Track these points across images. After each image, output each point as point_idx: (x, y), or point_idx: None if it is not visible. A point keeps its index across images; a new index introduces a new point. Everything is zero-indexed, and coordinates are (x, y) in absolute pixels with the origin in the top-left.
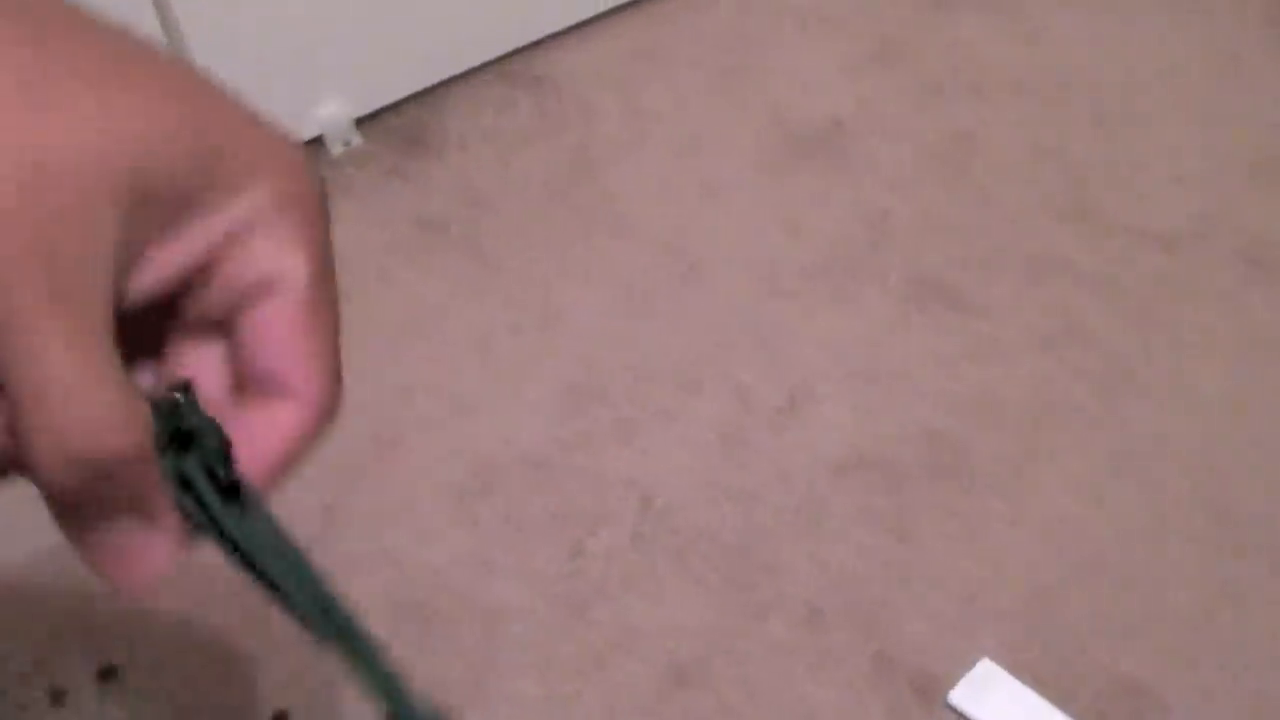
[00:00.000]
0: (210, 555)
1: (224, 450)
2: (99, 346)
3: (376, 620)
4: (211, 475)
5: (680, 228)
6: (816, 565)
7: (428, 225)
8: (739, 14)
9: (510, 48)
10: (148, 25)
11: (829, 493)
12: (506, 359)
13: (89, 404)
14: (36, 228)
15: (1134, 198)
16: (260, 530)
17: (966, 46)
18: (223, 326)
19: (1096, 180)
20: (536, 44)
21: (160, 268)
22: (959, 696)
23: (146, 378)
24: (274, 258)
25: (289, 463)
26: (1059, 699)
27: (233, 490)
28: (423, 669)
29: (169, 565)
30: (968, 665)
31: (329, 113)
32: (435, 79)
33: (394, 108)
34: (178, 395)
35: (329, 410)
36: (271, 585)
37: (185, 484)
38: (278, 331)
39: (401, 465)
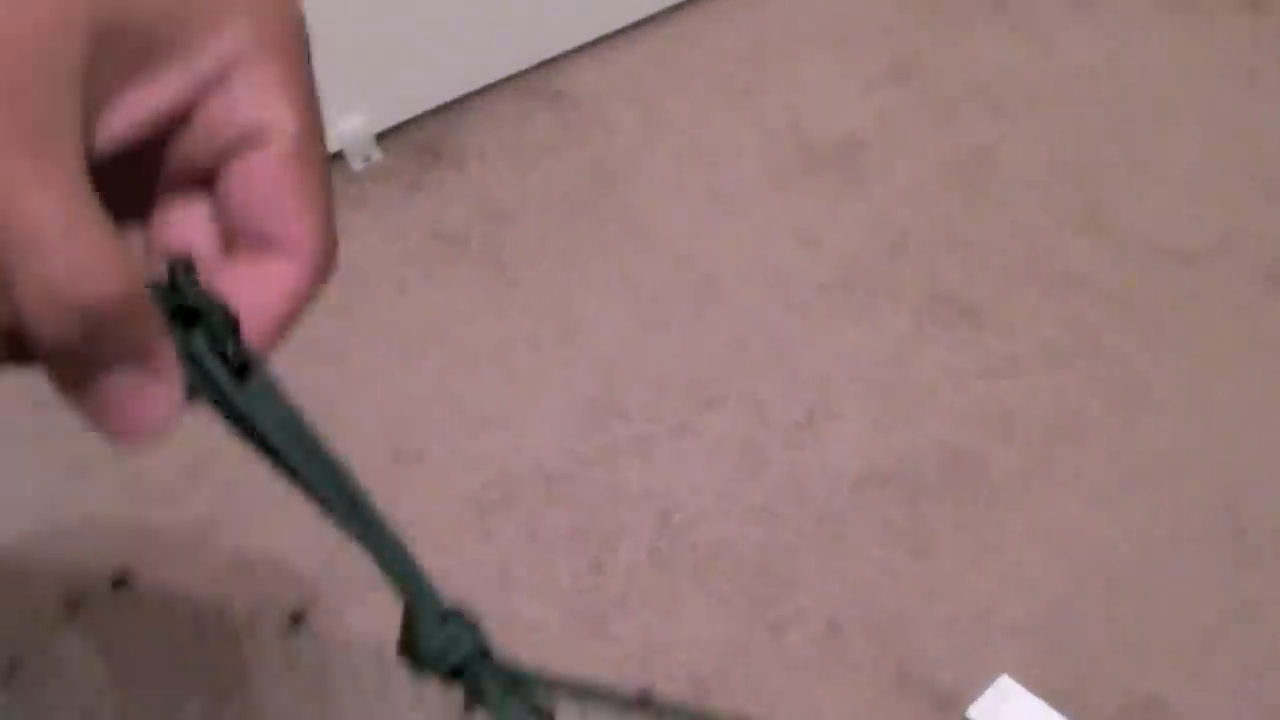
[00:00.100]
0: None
1: (231, 327)
2: (77, 189)
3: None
4: (220, 353)
5: (698, 241)
6: (835, 580)
7: (447, 238)
8: (756, 30)
9: (530, 63)
10: None
11: (847, 508)
12: (525, 372)
13: (74, 246)
14: None
15: (1151, 213)
16: (270, 405)
17: (983, 62)
18: (208, 183)
19: (1113, 195)
20: (556, 59)
21: (133, 111)
22: (977, 712)
23: (136, 244)
24: (258, 106)
25: (285, 325)
26: (1077, 714)
27: (242, 366)
28: None
29: (171, 417)
30: (986, 681)
31: (350, 127)
32: (455, 93)
33: (414, 122)
34: (179, 270)
35: (323, 267)
36: (285, 462)
37: (190, 361)
38: (265, 185)
39: (420, 478)
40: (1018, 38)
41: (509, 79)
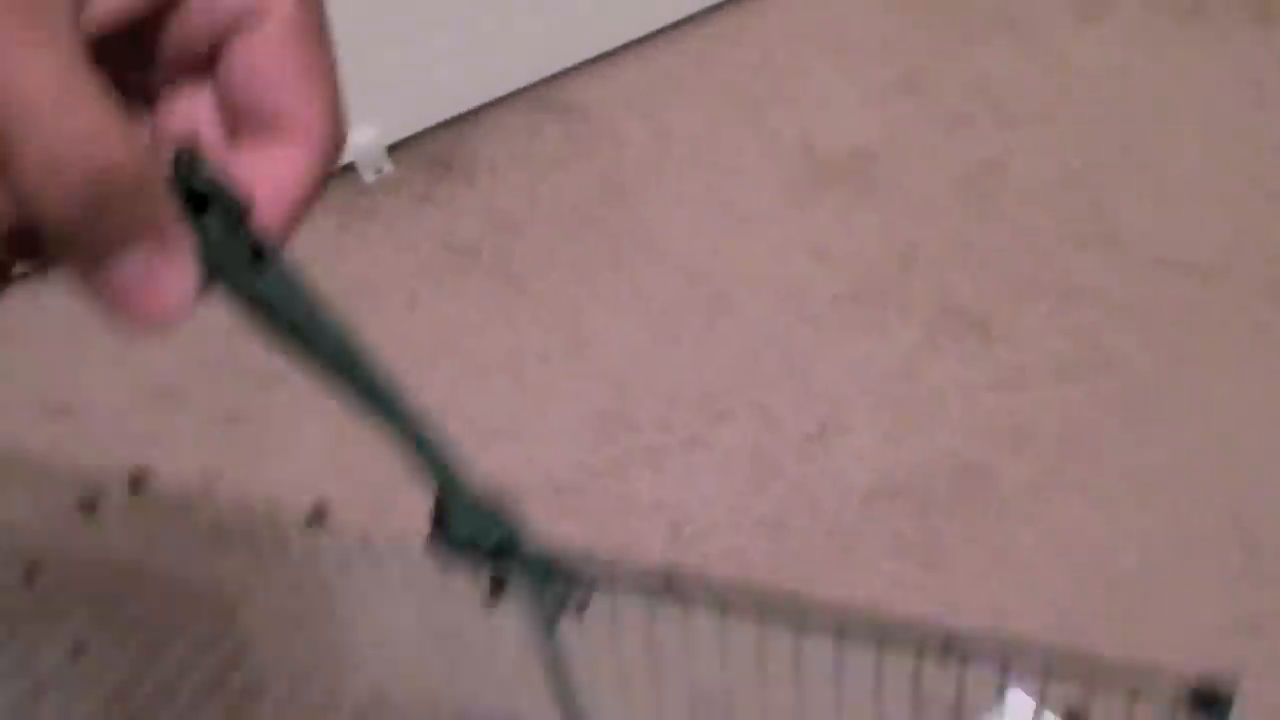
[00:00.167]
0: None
1: (245, 211)
2: (75, 61)
3: (408, 648)
4: (234, 238)
5: (708, 254)
6: (845, 592)
7: (458, 250)
8: (767, 43)
9: (541, 75)
10: None
11: (857, 520)
12: (536, 384)
13: (74, 115)
14: None
15: (1160, 225)
16: (287, 291)
17: (993, 76)
18: (210, 67)
19: (1124, 209)
20: (566, 72)
21: None
22: None
23: (141, 134)
24: None
25: (296, 211)
26: None
27: (257, 252)
28: (455, 696)
29: (188, 300)
30: (997, 695)
31: (362, 140)
32: (467, 106)
33: (425, 134)
34: (186, 154)
35: (332, 148)
36: (308, 350)
37: (205, 245)
38: (267, 65)
39: (431, 490)
40: (1026, 50)
41: (519, 92)
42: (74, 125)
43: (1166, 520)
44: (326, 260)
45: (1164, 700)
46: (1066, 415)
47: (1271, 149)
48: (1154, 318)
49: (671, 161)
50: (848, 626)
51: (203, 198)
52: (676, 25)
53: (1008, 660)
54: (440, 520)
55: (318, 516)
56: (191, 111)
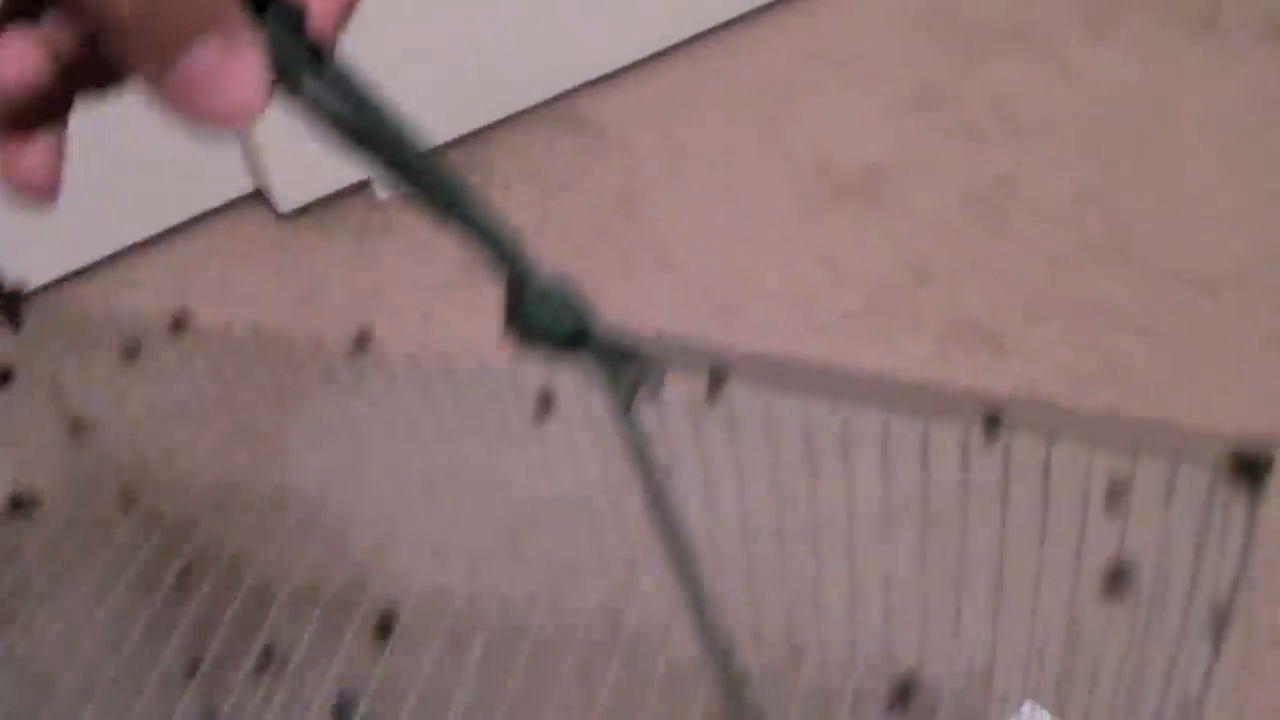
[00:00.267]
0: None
1: (300, 13)
2: None
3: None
4: (293, 38)
5: (721, 269)
6: (858, 607)
7: (472, 265)
8: (779, 59)
9: (554, 91)
10: None
11: (868, 536)
12: None
13: None
14: None
15: (1175, 241)
16: (348, 90)
17: (1004, 91)
18: None
19: (1137, 224)
20: (580, 87)
21: None
22: None
23: None
24: None
25: (344, 13)
26: None
27: (314, 53)
28: (469, 705)
29: (256, 96)
30: (1012, 709)
31: None
32: (480, 122)
33: (438, 150)
34: None
35: None
36: (367, 146)
37: (267, 45)
38: None
39: (448, 501)
40: (1039, 66)
41: (533, 107)
42: None
43: None
44: (342, 275)
45: (1204, 465)
46: None
47: None
48: (1167, 332)
49: (685, 177)
50: (895, 397)
51: (258, 3)
52: (690, 41)
53: (1054, 429)
54: (514, 310)
55: (362, 341)
56: None
